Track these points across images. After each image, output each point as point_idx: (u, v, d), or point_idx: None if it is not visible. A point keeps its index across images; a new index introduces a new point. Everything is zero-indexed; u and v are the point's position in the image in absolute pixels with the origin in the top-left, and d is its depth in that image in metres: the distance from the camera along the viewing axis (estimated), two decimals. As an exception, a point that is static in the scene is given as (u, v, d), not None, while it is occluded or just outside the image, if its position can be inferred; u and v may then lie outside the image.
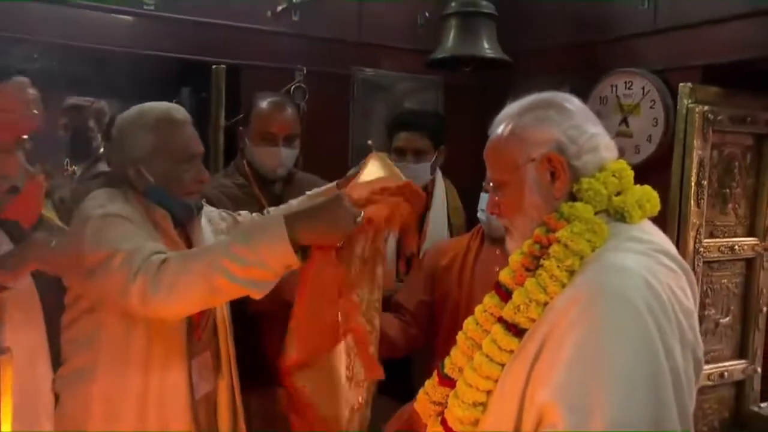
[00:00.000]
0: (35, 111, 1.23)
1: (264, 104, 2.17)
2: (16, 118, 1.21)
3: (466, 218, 2.44)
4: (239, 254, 1.32)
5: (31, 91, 1.22)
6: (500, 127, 1.22)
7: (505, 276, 1.19)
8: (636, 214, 1.14)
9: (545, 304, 1.08)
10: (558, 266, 1.08)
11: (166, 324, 1.52)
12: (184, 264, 1.36)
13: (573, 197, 1.16)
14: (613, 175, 1.15)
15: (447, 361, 1.26)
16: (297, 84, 2.76)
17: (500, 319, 1.14)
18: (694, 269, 2.26)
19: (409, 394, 2.18)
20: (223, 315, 1.68)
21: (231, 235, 1.64)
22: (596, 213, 1.14)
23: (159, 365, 1.54)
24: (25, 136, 1.32)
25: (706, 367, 2.30)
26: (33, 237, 1.53)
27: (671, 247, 1.17)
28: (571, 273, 1.08)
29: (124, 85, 1.88)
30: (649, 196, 1.18)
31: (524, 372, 1.07)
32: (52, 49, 2.41)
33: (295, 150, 2.18)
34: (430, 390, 1.28)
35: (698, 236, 2.28)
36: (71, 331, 1.57)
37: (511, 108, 1.23)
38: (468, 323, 1.24)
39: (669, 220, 2.25)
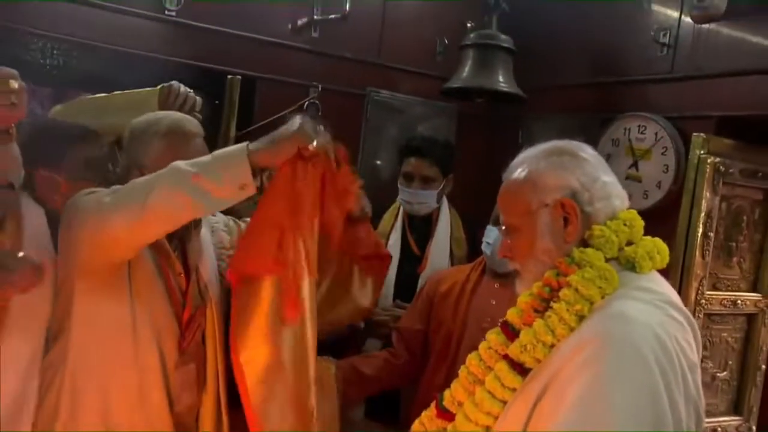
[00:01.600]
0: (16, 101, 1.21)
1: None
2: None
3: (468, 249, 2.43)
4: (198, 162, 1.35)
5: (15, 82, 1.21)
6: (515, 172, 1.25)
7: (512, 315, 1.21)
8: (646, 265, 1.16)
9: (552, 346, 1.10)
10: (567, 310, 1.10)
11: (149, 331, 1.52)
12: (148, 178, 1.39)
13: (584, 244, 1.18)
14: (624, 224, 1.18)
15: (446, 393, 1.27)
16: (311, 100, 2.77)
17: (505, 357, 1.15)
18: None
19: (397, 419, 2.18)
20: (214, 328, 1.66)
21: None
22: (606, 261, 1.15)
23: (136, 371, 1.52)
24: (12, 129, 1.30)
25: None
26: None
27: (678, 300, 1.18)
28: (580, 318, 1.10)
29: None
30: (659, 248, 1.20)
31: (526, 411, 1.08)
32: (72, 46, 2.44)
33: None
34: (426, 421, 1.29)
35: (701, 287, 2.25)
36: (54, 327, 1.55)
37: (527, 153, 1.26)
38: (471, 358, 1.25)
39: (672, 269, 2.23)
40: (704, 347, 2.29)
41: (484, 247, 2.03)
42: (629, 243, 1.18)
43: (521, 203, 1.21)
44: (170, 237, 1.58)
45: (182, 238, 1.63)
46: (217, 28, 2.58)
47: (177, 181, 1.35)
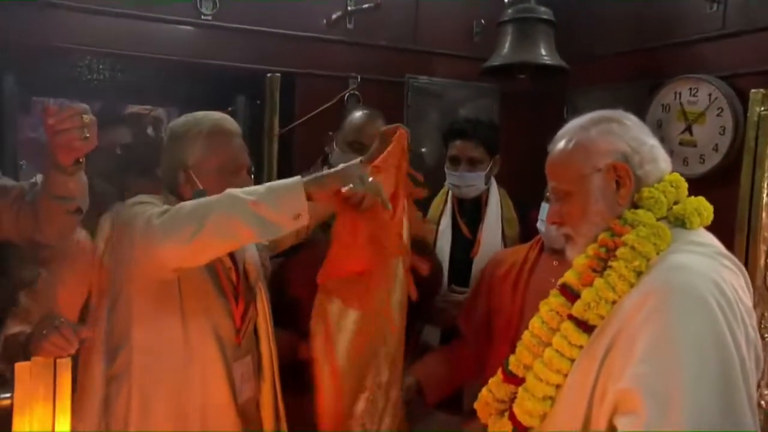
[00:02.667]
0: (89, 134, 1.29)
1: (359, 114, 2.24)
2: (74, 140, 1.27)
3: (520, 229, 2.38)
4: (254, 191, 1.38)
5: (87, 116, 1.29)
6: (563, 141, 1.31)
7: (570, 277, 1.26)
8: (695, 221, 1.23)
9: (614, 302, 1.16)
10: (626, 267, 1.15)
11: (207, 328, 1.55)
12: (200, 202, 1.41)
13: (634, 206, 1.24)
14: (671, 185, 1.25)
15: (512, 359, 1.33)
16: (351, 92, 2.77)
17: (570, 317, 1.21)
18: (765, 285, 2.14)
19: (461, 407, 2.16)
20: (265, 319, 1.70)
21: None
22: (657, 221, 1.22)
23: (199, 370, 1.56)
24: (82, 159, 1.39)
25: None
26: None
27: (727, 252, 1.24)
28: (638, 274, 1.15)
29: (180, 93, 1.92)
30: (705, 206, 1.27)
31: (594, 367, 1.14)
32: (116, 59, 2.50)
33: None
34: (494, 388, 1.34)
35: (769, 250, 2.16)
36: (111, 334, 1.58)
37: (573, 123, 1.32)
38: (534, 322, 1.31)
39: (737, 233, 2.14)
40: (777, 312, 2.20)
41: (539, 225, 2.00)
42: (676, 203, 1.25)
43: (574, 169, 1.26)
44: None
45: None
46: (253, 28, 2.60)
47: (234, 208, 1.36)
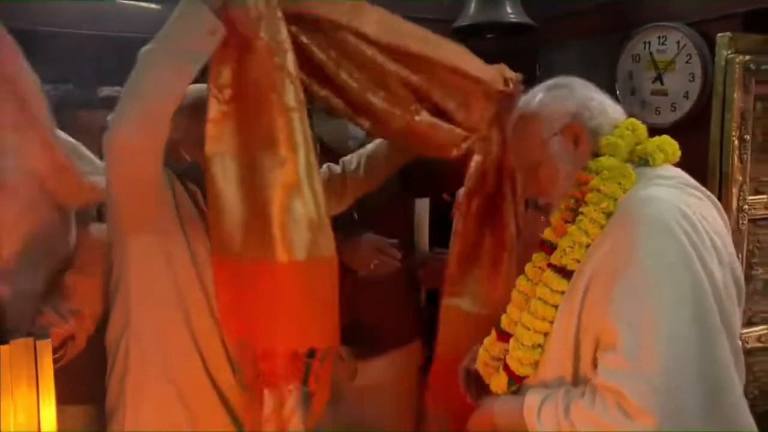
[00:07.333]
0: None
1: None
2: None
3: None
4: (158, 35, 1.34)
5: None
6: (517, 118, 1.39)
7: (548, 233, 1.32)
8: (659, 157, 1.27)
9: (587, 246, 1.21)
10: (595, 210, 1.20)
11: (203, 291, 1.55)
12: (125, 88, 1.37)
13: (596, 157, 1.30)
14: (627, 129, 1.30)
15: (504, 317, 1.38)
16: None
17: (549, 265, 1.27)
18: (738, 228, 2.17)
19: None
20: None
21: None
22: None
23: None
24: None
25: (755, 329, 2.24)
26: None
27: (697, 183, 1.29)
28: (608, 215, 1.20)
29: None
30: (669, 143, 1.32)
31: (576, 308, 1.19)
32: (82, 39, 2.45)
33: None
34: (489, 347, 1.40)
35: (742, 193, 2.18)
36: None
37: (523, 100, 1.41)
38: (520, 280, 1.38)
39: (710, 178, 2.16)
40: (752, 254, 2.23)
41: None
42: (638, 145, 1.30)
43: (535, 139, 1.33)
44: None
45: None
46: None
47: (148, 65, 1.34)
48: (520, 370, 1.29)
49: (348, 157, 1.96)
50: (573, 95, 1.34)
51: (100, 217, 1.72)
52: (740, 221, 2.17)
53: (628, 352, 1.09)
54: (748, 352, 2.23)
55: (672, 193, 1.20)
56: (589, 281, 1.18)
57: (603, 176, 1.22)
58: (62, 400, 1.39)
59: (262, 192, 1.34)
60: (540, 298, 1.26)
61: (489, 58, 2.97)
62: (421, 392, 2.08)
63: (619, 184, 1.20)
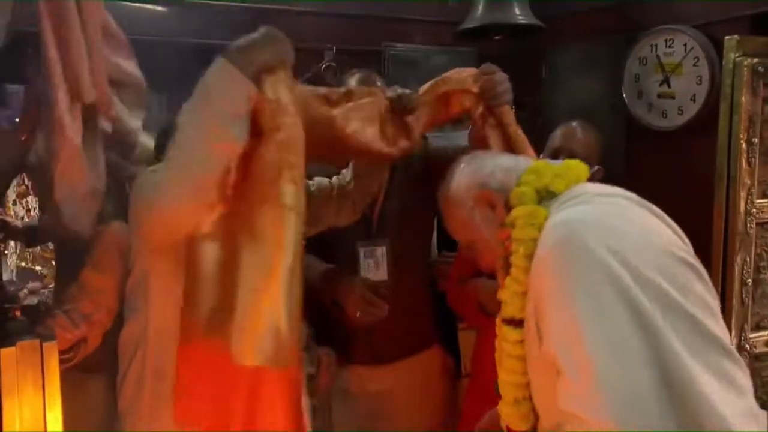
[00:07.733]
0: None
1: (352, 80, 2.19)
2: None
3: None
4: (194, 99, 1.36)
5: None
6: (442, 202, 1.43)
7: (499, 294, 1.31)
8: (560, 184, 1.28)
9: (524, 292, 1.21)
10: (517, 258, 1.22)
11: None
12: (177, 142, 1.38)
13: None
14: (530, 173, 1.31)
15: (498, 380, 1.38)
16: (327, 63, 2.74)
17: (503, 320, 1.28)
18: (746, 231, 2.17)
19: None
20: None
21: None
22: None
23: None
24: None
25: (763, 333, 2.22)
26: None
27: (617, 189, 1.28)
28: (531, 257, 1.20)
29: (150, 73, 1.90)
30: (567, 166, 1.33)
31: (537, 352, 1.17)
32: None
33: None
34: (500, 409, 1.39)
35: (750, 197, 2.17)
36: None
37: (442, 189, 1.43)
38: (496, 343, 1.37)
39: (718, 181, 2.16)
40: (760, 257, 2.21)
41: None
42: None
43: (458, 220, 1.38)
44: None
45: None
46: (221, 3, 2.55)
47: (197, 128, 1.35)
48: (517, 426, 1.30)
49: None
50: (470, 167, 1.39)
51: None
52: (748, 225, 2.16)
53: (570, 371, 1.08)
54: (756, 357, 2.22)
55: (583, 210, 1.20)
56: (536, 322, 1.18)
57: (517, 225, 1.24)
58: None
59: (238, 288, 1.37)
60: (505, 353, 1.28)
61: (497, 60, 2.98)
62: (443, 398, 2.13)
63: (533, 224, 1.22)
